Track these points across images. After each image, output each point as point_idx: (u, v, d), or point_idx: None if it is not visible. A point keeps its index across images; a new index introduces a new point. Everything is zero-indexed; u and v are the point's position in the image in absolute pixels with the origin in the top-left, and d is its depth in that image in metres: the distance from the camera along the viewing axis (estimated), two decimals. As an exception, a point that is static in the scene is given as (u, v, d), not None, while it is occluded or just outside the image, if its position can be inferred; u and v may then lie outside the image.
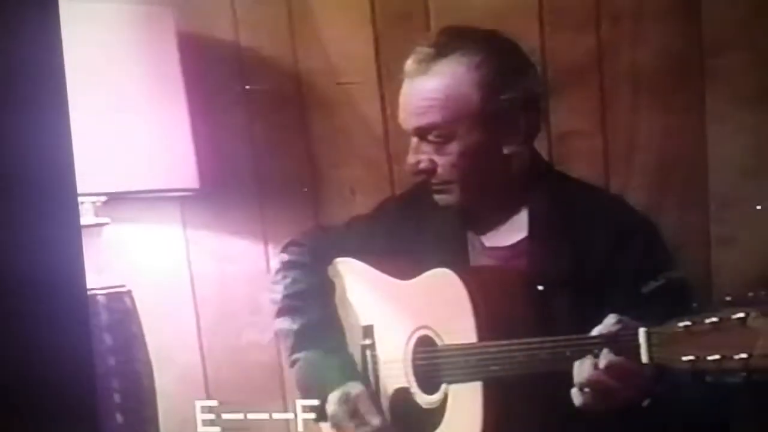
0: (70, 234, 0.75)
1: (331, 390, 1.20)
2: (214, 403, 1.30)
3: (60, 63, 0.74)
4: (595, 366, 0.97)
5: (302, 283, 1.29)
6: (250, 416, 1.33)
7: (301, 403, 1.27)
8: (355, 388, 1.20)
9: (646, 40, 1.37)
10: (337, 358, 1.25)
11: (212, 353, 1.63)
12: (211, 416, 1.31)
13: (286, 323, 1.27)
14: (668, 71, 1.37)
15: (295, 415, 1.30)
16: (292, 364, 1.27)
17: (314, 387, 1.23)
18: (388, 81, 1.43)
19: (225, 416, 1.31)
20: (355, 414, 1.18)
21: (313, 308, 1.27)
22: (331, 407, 1.20)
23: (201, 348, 1.63)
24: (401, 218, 1.28)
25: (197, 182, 1.45)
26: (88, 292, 1.21)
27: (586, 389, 0.98)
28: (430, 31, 1.41)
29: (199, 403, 1.31)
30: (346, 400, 1.19)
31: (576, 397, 0.98)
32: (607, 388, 0.97)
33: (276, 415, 1.34)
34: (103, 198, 1.37)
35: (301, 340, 1.26)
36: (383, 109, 1.47)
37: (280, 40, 1.52)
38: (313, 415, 1.24)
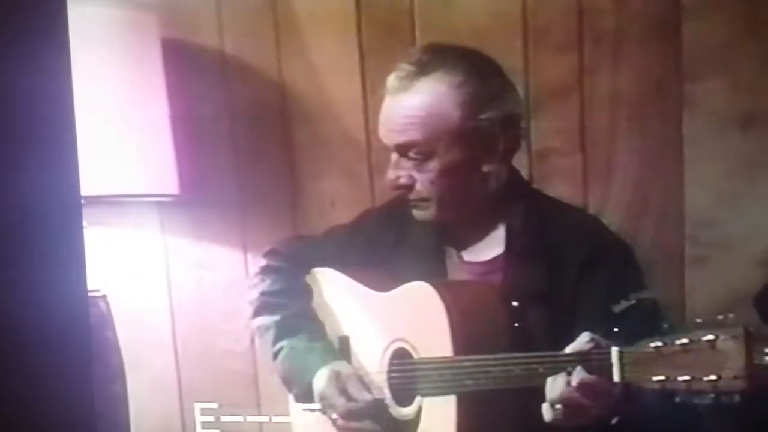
0: (73, 235, 0.76)
1: (317, 370, 1.19)
2: (214, 405, 1.30)
3: (67, 62, 0.74)
4: (568, 383, 0.98)
5: (280, 284, 1.29)
6: (250, 419, 1.32)
7: (302, 407, 1.27)
8: (343, 367, 1.20)
9: (627, 62, 1.39)
10: (321, 342, 1.24)
11: (187, 360, 1.62)
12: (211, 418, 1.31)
13: (265, 320, 1.27)
14: (647, 93, 1.39)
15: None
16: (275, 355, 1.25)
17: (300, 371, 1.21)
18: (372, 93, 1.45)
19: (224, 419, 1.30)
20: (344, 392, 1.17)
21: (291, 304, 1.27)
22: (320, 384, 1.18)
23: (176, 355, 1.63)
24: (380, 230, 1.28)
25: (177, 188, 1.45)
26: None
27: (558, 406, 0.99)
28: (416, 45, 1.42)
29: (198, 405, 1.30)
30: (336, 377, 1.18)
31: (547, 413, 0.99)
32: (579, 405, 0.98)
33: (276, 419, 1.34)
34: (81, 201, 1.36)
35: (283, 329, 1.25)
36: (366, 121, 1.48)
37: (265, 50, 1.53)
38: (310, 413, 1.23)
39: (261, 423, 1.52)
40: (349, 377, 1.19)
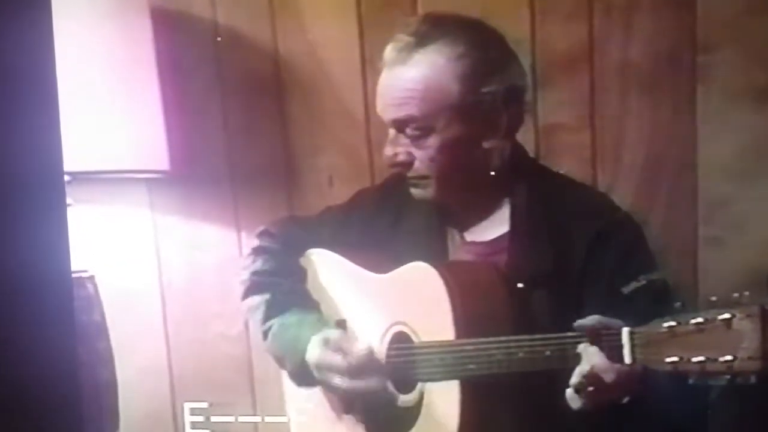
0: (56, 214, 0.75)
1: (309, 340, 1.18)
2: (204, 404, 1.29)
3: (50, 39, 0.73)
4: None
5: (272, 264, 1.28)
6: (242, 419, 1.32)
7: (294, 405, 1.26)
8: (333, 333, 1.18)
9: (639, 33, 1.38)
10: (314, 315, 1.23)
11: (178, 344, 1.62)
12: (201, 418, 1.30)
13: (255, 299, 1.26)
14: (660, 66, 1.38)
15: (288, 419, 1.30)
16: (265, 335, 1.24)
17: (291, 345, 1.20)
18: (371, 65, 1.43)
19: (214, 419, 1.30)
20: (339, 350, 1.15)
21: (283, 283, 1.26)
22: (313, 354, 1.17)
23: (166, 339, 1.62)
24: (378, 209, 1.27)
25: (167, 164, 1.44)
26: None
27: (590, 388, 0.97)
28: (417, 15, 1.41)
29: (188, 405, 1.30)
30: (327, 341, 1.16)
31: (573, 400, 0.98)
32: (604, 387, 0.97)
33: (268, 419, 1.33)
34: (67, 178, 1.35)
35: (273, 308, 1.24)
36: (365, 95, 1.46)
37: (259, 19, 1.51)
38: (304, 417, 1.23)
39: (255, 409, 1.52)
40: (342, 337, 1.17)
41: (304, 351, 1.18)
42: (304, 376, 1.20)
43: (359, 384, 1.15)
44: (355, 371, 1.14)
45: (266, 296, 1.25)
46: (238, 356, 1.58)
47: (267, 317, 1.24)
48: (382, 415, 1.18)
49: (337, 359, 1.15)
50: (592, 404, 0.97)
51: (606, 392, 0.97)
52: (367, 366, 1.14)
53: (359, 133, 1.49)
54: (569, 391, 0.98)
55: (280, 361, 1.24)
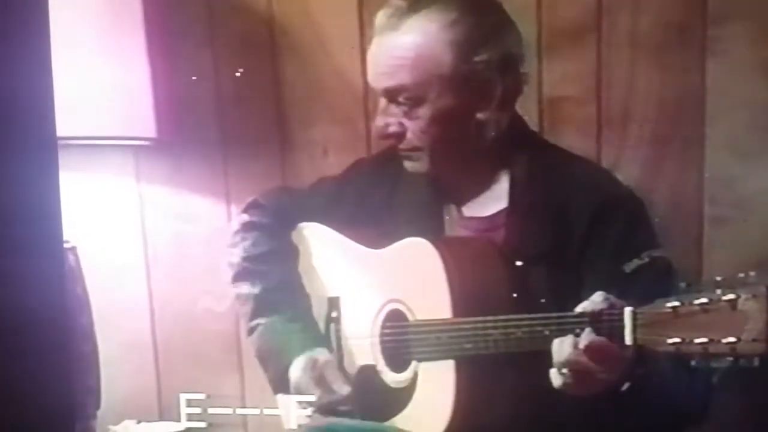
0: (48, 181, 0.76)
1: (295, 356, 1.20)
2: (201, 396, 1.30)
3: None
4: (575, 345, 0.99)
5: (263, 246, 1.29)
6: (239, 411, 1.33)
7: (295, 398, 1.28)
8: (322, 354, 1.20)
9: (649, 3, 1.38)
10: (301, 324, 1.24)
11: (163, 320, 1.62)
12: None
13: (245, 288, 1.27)
14: (669, 39, 1.38)
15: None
16: (251, 331, 1.26)
17: (275, 354, 1.22)
18: (370, 30, 1.43)
19: (211, 410, 1.31)
20: (320, 382, 1.18)
21: (274, 272, 1.27)
22: (295, 374, 1.20)
23: (151, 314, 1.63)
24: (373, 182, 1.28)
25: (154, 131, 1.43)
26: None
27: (565, 370, 0.99)
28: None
29: (184, 396, 1.31)
30: (312, 366, 1.19)
31: (555, 378, 1.00)
32: (587, 370, 0.98)
33: (267, 411, 1.34)
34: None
35: (261, 305, 1.25)
36: (363, 62, 1.45)
37: (253, -22, 1.51)
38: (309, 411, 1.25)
39: (243, 388, 1.52)
40: (327, 366, 1.20)
41: (287, 366, 1.20)
42: (281, 386, 1.22)
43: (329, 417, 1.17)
44: (329, 411, 1.17)
45: (255, 290, 1.26)
46: (226, 333, 1.58)
47: (254, 315, 1.26)
48: (373, 395, 1.20)
49: (315, 393, 1.18)
50: (588, 387, 0.99)
51: (603, 373, 0.98)
52: (342, 404, 1.17)
53: (356, 102, 1.48)
54: (553, 371, 1.00)
55: (263, 364, 1.26)
